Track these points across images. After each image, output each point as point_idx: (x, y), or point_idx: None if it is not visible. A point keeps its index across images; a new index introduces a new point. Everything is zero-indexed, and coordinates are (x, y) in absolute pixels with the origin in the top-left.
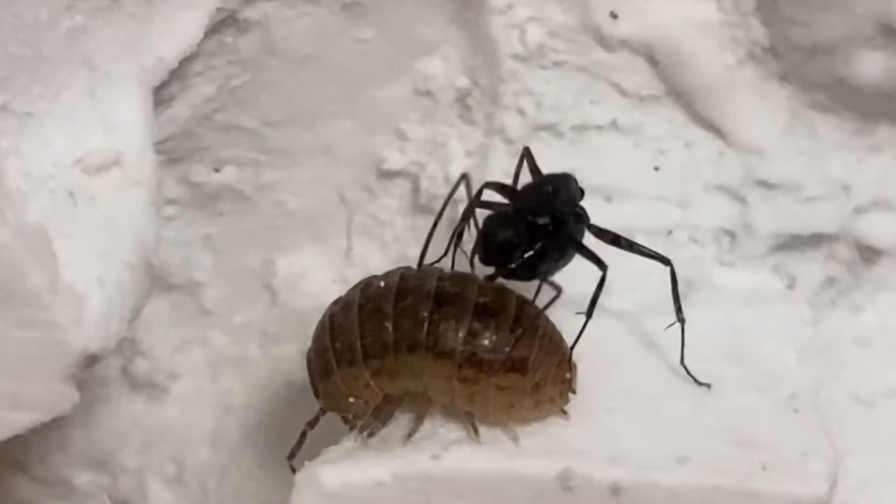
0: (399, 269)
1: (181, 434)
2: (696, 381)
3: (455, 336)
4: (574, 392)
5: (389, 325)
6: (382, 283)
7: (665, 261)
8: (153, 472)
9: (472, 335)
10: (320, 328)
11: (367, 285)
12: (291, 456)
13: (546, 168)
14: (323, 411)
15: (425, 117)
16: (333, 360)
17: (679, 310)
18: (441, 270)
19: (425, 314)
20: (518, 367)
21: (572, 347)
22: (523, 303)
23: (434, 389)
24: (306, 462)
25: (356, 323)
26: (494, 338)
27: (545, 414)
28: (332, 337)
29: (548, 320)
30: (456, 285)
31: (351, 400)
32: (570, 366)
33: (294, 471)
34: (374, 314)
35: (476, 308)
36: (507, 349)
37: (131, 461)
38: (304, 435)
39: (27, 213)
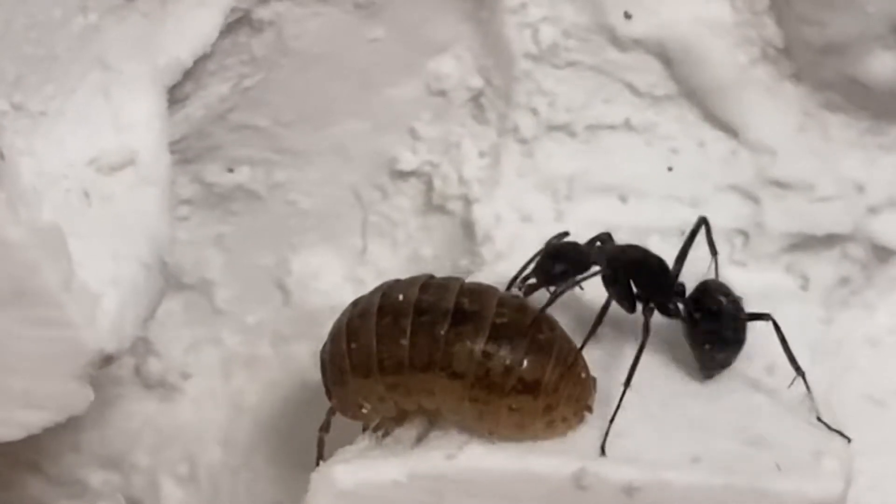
0: (420, 277)
1: (193, 433)
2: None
3: (469, 357)
4: (591, 411)
5: (406, 343)
6: (402, 296)
7: (766, 316)
8: (165, 472)
9: (486, 357)
10: (337, 331)
11: (386, 293)
12: (318, 461)
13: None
14: (332, 412)
15: (438, 117)
16: (349, 368)
17: (794, 362)
18: (462, 282)
19: (442, 333)
20: (529, 389)
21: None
22: (540, 322)
23: (446, 407)
24: (320, 462)
25: (374, 335)
26: (507, 360)
27: (558, 433)
28: (349, 344)
29: (565, 340)
30: (475, 302)
31: (364, 410)
32: (585, 385)
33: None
34: (392, 329)
35: (492, 328)
36: (519, 371)
37: (144, 460)
38: (321, 442)
39: (42, 213)
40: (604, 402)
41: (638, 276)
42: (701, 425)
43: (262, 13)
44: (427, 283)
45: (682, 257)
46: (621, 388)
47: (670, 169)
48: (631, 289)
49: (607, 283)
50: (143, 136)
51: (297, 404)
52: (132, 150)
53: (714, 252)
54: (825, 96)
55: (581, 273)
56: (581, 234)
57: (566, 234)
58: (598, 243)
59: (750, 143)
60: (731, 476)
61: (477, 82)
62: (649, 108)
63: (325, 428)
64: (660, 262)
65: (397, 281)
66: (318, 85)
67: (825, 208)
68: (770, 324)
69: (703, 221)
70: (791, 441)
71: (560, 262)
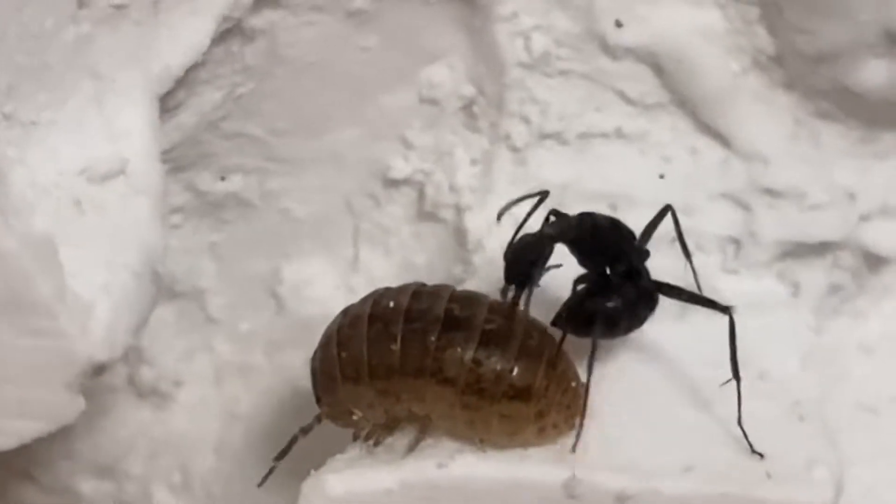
0: (411, 285)
1: (186, 441)
2: (751, 447)
3: (459, 363)
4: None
5: (397, 349)
6: (392, 303)
7: (724, 309)
8: (159, 480)
9: (476, 363)
10: (327, 339)
11: (377, 301)
12: (279, 457)
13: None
14: (319, 419)
15: (430, 125)
16: (339, 374)
17: (735, 366)
18: (453, 289)
19: (432, 339)
20: (521, 395)
21: None
22: (531, 329)
23: (437, 413)
24: (312, 470)
25: (364, 342)
26: (498, 366)
27: (550, 440)
28: (340, 351)
29: (556, 346)
30: (465, 309)
31: (354, 417)
32: (576, 393)
33: (271, 471)
34: (383, 335)
35: (483, 334)
36: (510, 378)
37: (137, 468)
38: (294, 439)
39: (33, 222)
40: (592, 409)
41: (596, 240)
42: (693, 434)
43: (255, 22)
44: (418, 291)
45: (646, 234)
46: (614, 399)
47: (662, 177)
48: (595, 252)
49: (574, 251)
50: (135, 144)
51: (290, 412)
52: (124, 159)
53: (687, 254)
54: (817, 104)
55: (547, 257)
56: None
57: (547, 193)
58: (552, 218)
59: (742, 151)
60: (723, 485)
61: (469, 91)
62: (641, 117)
63: (305, 430)
64: (613, 221)
65: (388, 289)
66: (311, 93)
67: (817, 216)
68: (765, 330)
69: (668, 209)
70: (783, 449)
71: (521, 261)
